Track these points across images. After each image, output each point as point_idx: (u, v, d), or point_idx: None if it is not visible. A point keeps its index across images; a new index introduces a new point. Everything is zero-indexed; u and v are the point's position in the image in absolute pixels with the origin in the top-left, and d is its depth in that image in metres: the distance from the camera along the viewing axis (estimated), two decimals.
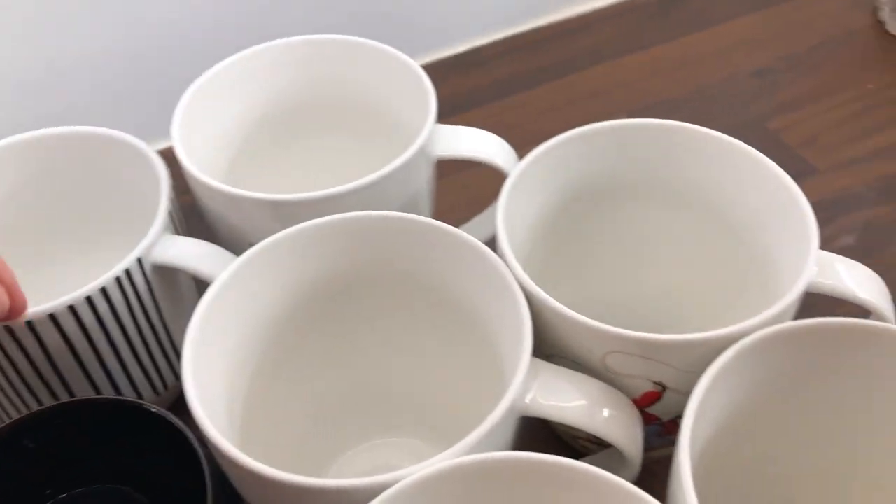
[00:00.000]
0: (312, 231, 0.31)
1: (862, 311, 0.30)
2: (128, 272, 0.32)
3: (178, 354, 0.35)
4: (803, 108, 0.50)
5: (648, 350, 0.27)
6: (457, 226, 0.31)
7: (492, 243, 0.30)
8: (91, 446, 0.30)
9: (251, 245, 0.31)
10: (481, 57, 0.55)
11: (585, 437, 0.33)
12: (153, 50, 0.49)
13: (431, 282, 0.32)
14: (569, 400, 0.27)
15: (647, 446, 0.30)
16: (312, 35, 0.40)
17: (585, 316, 0.27)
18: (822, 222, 0.30)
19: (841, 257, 0.30)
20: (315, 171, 0.41)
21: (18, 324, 0.30)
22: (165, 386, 0.37)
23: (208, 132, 0.39)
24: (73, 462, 0.31)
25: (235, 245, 0.34)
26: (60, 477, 0.31)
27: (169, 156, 0.35)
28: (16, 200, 0.38)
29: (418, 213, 0.31)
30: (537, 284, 0.28)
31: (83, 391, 0.34)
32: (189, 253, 0.33)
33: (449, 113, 0.43)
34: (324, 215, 0.31)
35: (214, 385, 0.29)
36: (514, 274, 0.29)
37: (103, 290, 0.31)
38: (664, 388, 0.29)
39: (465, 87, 0.53)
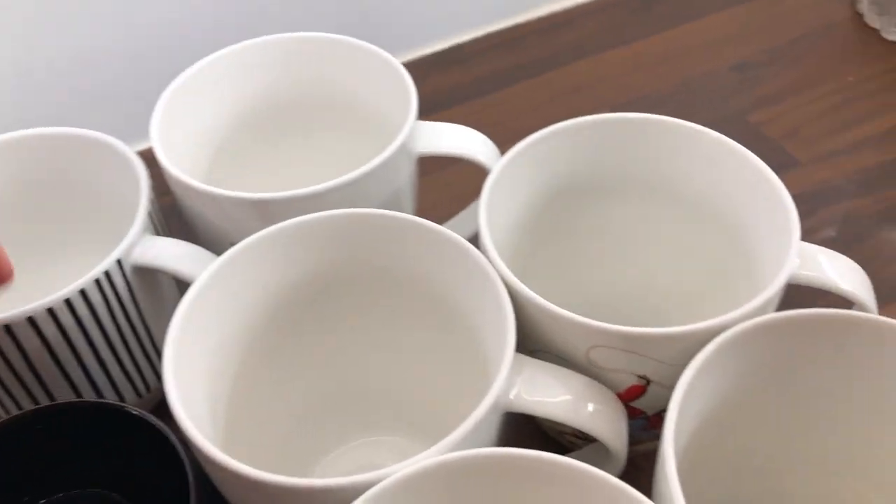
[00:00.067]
0: (293, 230, 0.31)
1: (844, 302, 0.30)
2: (107, 274, 0.32)
3: (159, 356, 0.35)
4: (784, 101, 0.50)
5: (632, 344, 0.27)
6: (440, 223, 0.31)
7: (475, 240, 0.30)
8: (72, 450, 0.30)
9: (232, 245, 0.30)
10: (463, 54, 0.55)
11: (571, 432, 0.33)
12: (132, 50, 0.49)
13: (414, 279, 0.32)
14: (553, 395, 0.27)
15: (633, 440, 0.30)
16: (292, 33, 0.40)
17: (569, 311, 0.27)
18: (804, 214, 0.30)
19: (823, 248, 0.30)
20: (296, 169, 0.41)
21: None
22: (148, 388, 0.36)
23: (188, 132, 0.38)
24: (54, 467, 0.31)
25: (217, 246, 0.34)
26: (40, 482, 0.31)
27: (149, 157, 0.35)
28: None
29: (400, 211, 0.31)
30: (521, 280, 0.28)
31: (64, 394, 0.33)
32: (169, 253, 0.33)
33: (430, 110, 0.43)
34: (305, 214, 0.31)
35: (196, 386, 0.28)
36: (496, 270, 0.29)
37: (83, 292, 0.31)
38: (648, 381, 0.29)
39: (447, 84, 0.53)
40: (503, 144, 0.35)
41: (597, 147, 0.34)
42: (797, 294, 0.30)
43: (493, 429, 0.27)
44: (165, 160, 0.34)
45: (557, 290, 0.32)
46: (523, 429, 0.35)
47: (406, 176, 0.36)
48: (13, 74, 0.47)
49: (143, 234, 0.33)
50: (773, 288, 0.28)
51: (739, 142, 0.33)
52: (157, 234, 0.35)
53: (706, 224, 0.34)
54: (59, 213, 0.39)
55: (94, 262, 0.32)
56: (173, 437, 0.27)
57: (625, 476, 0.25)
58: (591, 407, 0.27)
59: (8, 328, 0.30)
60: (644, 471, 0.28)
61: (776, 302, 0.29)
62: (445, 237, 0.30)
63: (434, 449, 0.24)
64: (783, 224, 0.30)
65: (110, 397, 0.35)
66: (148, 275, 0.34)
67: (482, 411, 0.25)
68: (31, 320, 0.30)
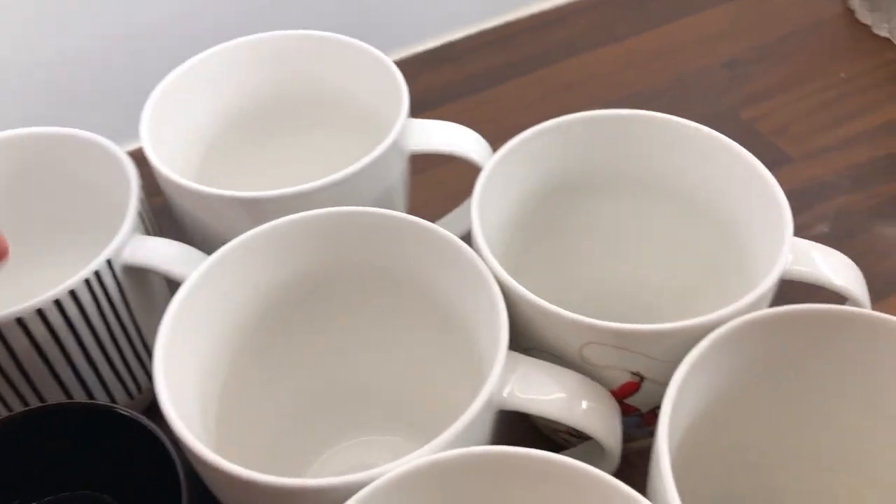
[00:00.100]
0: (285, 228, 0.31)
1: (838, 297, 0.30)
2: (97, 274, 0.31)
3: (150, 357, 0.35)
4: (775, 97, 0.50)
5: (625, 340, 0.27)
6: (433, 221, 0.31)
7: (468, 238, 0.30)
8: (62, 452, 0.30)
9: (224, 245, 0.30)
10: (455, 51, 0.55)
11: (565, 430, 0.33)
12: (123, 50, 0.49)
13: (407, 277, 0.32)
14: (547, 393, 0.27)
15: (627, 438, 0.30)
16: (284, 31, 0.40)
17: (562, 308, 0.27)
18: (796, 211, 0.30)
19: (816, 244, 0.30)
20: (288, 167, 0.41)
21: None
22: (139, 389, 0.36)
23: (178, 130, 0.38)
24: (44, 469, 0.30)
25: (208, 246, 0.33)
26: (30, 485, 0.31)
27: (140, 157, 0.35)
28: None
29: (393, 210, 0.31)
30: (514, 277, 0.28)
31: (54, 396, 0.33)
32: (160, 253, 0.32)
33: (422, 108, 0.43)
34: (296, 212, 0.31)
35: (187, 386, 0.28)
36: (489, 267, 0.29)
37: (72, 293, 0.31)
38: (642, 378, 0.28)
39: (439, 82, 0.53)
40: (496, 142, 0.35)
41: (589, 144, 0.34)
42: (790, 290, 0.30)
43: (486, 427, 0.27)
44: (155, 158, 0.34)
45: (551, 288, 0.32)
46: (517, 427, 0.35)
47: (398, 174, 0.35)
48: (2, 74, 0.46)
49: (134, 234, 0.33)
50: (767, 284, 0.28)
51: (731, 138, 0.32)
52: (148, 233, 0.35)
53: (699, 220, 0.34)
54: (48, 212, 0.39)
55: (84, 263, 0.32)
56: (164, 438, 0.27)
57: (619, 473, 0.25)
58: (584, 404, 0.27)
59: None
60: (638, 468, 0.28)
61: (769, 298, 0.29)
62: (438, 235, 0.30)
63: (427, 448, 0.24)
64: (776, 220, 0.30)
65: (101, 399, 0.34)
66: (138, 275, 0.34)
67: (475, 410, 0.25)
68: (20, 321, 0.30)
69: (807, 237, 0.30)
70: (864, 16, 0.54)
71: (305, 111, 0.41)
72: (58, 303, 0.30)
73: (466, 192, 0.33)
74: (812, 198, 0.45)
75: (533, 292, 0.28)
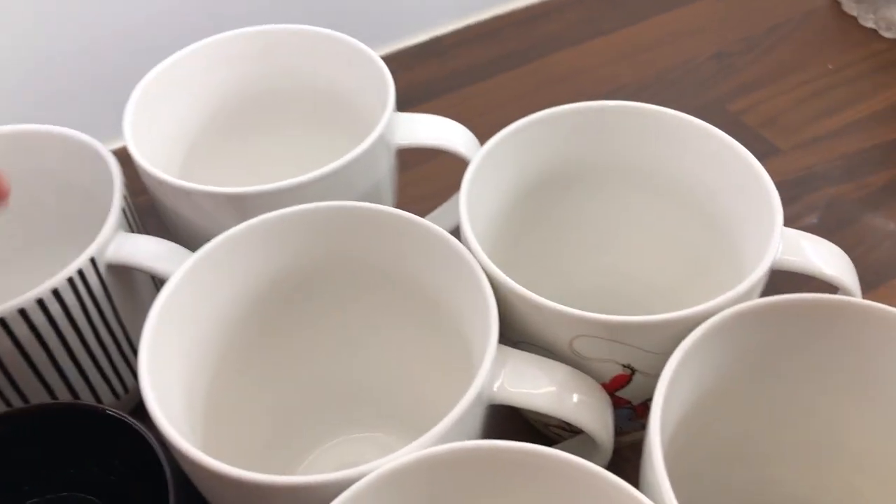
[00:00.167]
0: (271, 224, 0.30)
1: (829, 287, 0.30)
2: (81, 272, 0.31)
3: (137, 356, 0.34)
4: (763, 89, 0.50)
5: (615, 332, 0.27)
6: (422, 216, 0.30)
7: (457, 232, 0.30)
8: (47, 454, 0.29)
9: None
10: (441, 46, 0.55)
11: (556, 423, 0.32)
12: (106, 48, 0.48)
13: (396, 272, 0.32)
14: (537, 386, 0.27)
15: (619, 431, 0.30)
16: (268, 25, 0.39)
17: (552, 301, 0.27)
18: (786, 202, 0.30)
19: (806, 234, 0.30)
20: (274, 163, 0.40)
21: None
22: (126, 389, 0.36)
23: (162, 127, 0.38)
24: (28, 471, 0.30)
25: (195, 245, 0.33)
26: (13, 487, 0.30)
27: (125, 156, 0.34)
28: None
29: (380, 204, 0.31)
30: (503, 271, 0.28)
31: (38, 397, 0.32)
32: (144, 251, 0.32)
33: (409, 103, 0.42)
34: (283, 208, 0.30)
35: (174, 385, 0.28)
36: (478, 261, 0.28)
37: (55, 292, 0.30)
38: (633, 370, 0.28)
39: (426, 77, 0.53)
40: (483, 136, 0.34)
41: (577, 136, 0.34)
42: (781, 280, 0.30)
43: (477, 422, 0.26)
44: (138, 155, 0.33)
45: (541, 281, 0.32)
46: (508, 421, 0.35)
47: (385, 168, 0.35)
48: None
49: (118, 232, 0.33)
50: (757, 274, 0.28)
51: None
52: (132, 231, 0.34)
53: (689, 211, 0.34)
54: (31, 211, 0.38)
55: (67, 261, 0.31)
56: (151, 438, 0.27)
57: (611, 467, 0.24)
58: (575, 398, 0.27)
59: None
60: (631, 461, 0.28)
61: (760, 288, 0.29)
62: (426, 229, 0.30)
63: (417, 443, 0.24)
64: (766, 210, 0.30)
65: (87, 399, 0.34)
66: (123, 273, 0.33)
67: (465, 404, 0.25)
68: (2, 321, 0.30)
69: (797, 228, 0.30)
70: (850, 7, 0.54)
71: (291, 106, 0.41)
72: (41, 302, 0.30)
73: (455, 186, 0.32)
74: (801, 189, 0.45)
75: (522, 285, 0.28)
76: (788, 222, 0.29)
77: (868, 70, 0.51)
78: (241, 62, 0.40)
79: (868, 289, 0.32)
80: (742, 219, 0.32)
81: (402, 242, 0.31)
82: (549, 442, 0.32)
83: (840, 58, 0.52)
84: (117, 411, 0.28)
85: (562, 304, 0.27)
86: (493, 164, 0.32)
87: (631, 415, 0.31)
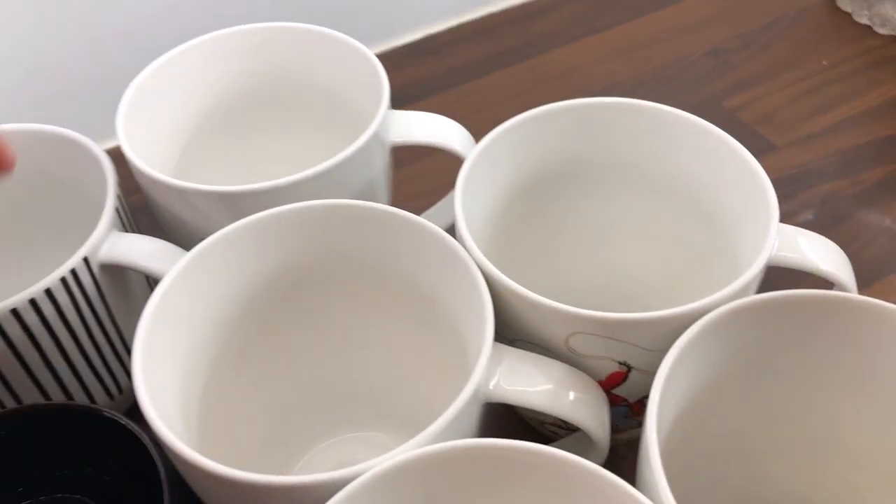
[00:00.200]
0: (266, 222, 0.30)
1: (824, 283, 0.29)
2: (74, 272, 0.31)
3: (131, 356, 0.34)
4: (759, 86, 0.50)
5: (611, 330, 0.27)
6: (417, 214, 0.30)
7: (452, 230, 0.30)
8: (40, 455, 0.29)
9: None
10: (436, 44, 0.55)
11: (552, 421, 0.32)
12: (100, 47, 0.48)
13: (391, 271, 0.32)
14: (533, 384, 0.27)
15: (615, 428, 0.30)
16: (262, 23, 0.39)
17: (548, 298, 0.27)
18: (782, 199, 0.30)
19: (802, 230, 0.30)
20: (268, 162, 0.40)
21: None
22: (120, 389, 0.35)
23: (156, 126, 0.37)
24: (21, 472, 0.30)
25: (189, 243, 0.33)
26: (6, 489, 0.30)
27: (119, 156, 0.34)
28: None
29: (375, 202, 0.31)
30: (499, 268, 0.28)
31: (31, 397, 0.32)
32: (138, 250, 0.32)
33: (404, 101, 0.42)
34: (277, 206, 0.30)
35: (168, 385, 0.28)
36: (473, 258, 0.28)
37: (48, 292, 0.30)
38: (629, 368, 0.28)
39: (421, 75, 0.52)
40: (479, 134, 0.34)
41: (572, 133, 0.34)
42: (777, 277, 0.30)
43: (473, 420, 0.26)
44: (132, 154, 0.33)
45: (536, 278, 0.31)
46: (504, 419, 0.35)
47: (380, 166, 0.35)
48: None
49: (111, 231, 0.32)
50: (753, 270, 0.27)
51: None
52: (126, 231, 0.34)
53: (685, 208, 0.34)
54: (25, 210, 0.38)
55: (61, 261, 0.31)
56: (145, 438, 0.27)
57: (608, 465, 0.24)
58: (571, 395, 0.27)
59: None
60: (627, 459, 0.28)
61: (756, 284, 0.28)
62: (421, 227, 0.30)
63: (413, 442, 0.24)
64: (762, 206, 0.29)
65: (81, 400, 0.34)
66: (117, 272, 0.33)
67: (461, 403, 0.25)
68: None
69: (793, 224, 0.30)
70: (844, 4, 0.54)
71: (285, 104, 0.41)
72: (33, 302, 0.30)
73: (450, 184, 0.32)
74: (797, 185, 0.45)
75: (518, 283, 0.27)
76: (784, 219, 0.29)
77: (862, 66, 0.51)
78: (236, 60, 0.39)
79: (863, 285, 0.32)
80: (738, 215, 0.32)
81: (398, 240, 0.30)
82: (546, 440, 0.32)
83: (835, 54, 0.52)
84: (111, 411, 0.28)
85: (558, 301, 0.27)
86: (488, 161, 0.32)
87: (627, 412, 0.31)
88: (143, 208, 0.36)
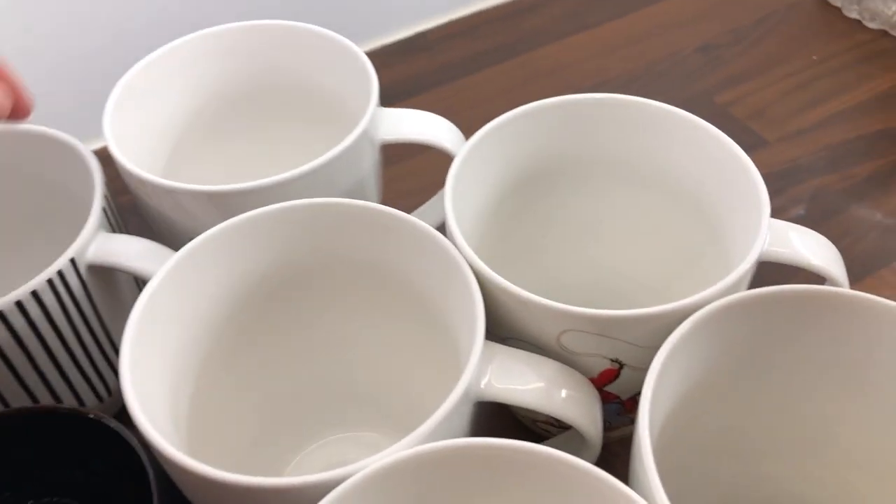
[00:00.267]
0: (255, 221, 0.30)
1: (816, 278, 0.29)
2: (61, 273, 0.30)
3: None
4: (749, 81, 0.50)
5: (603, 327, 0.27)
6: (407, 213, 0.30)
7: (443, 228, 0.30)
8: (28, 458, 0.29)
9: None
10: (426, 41, 0.54)
11: (544, 419, 0.32)
12: (87, 46, 0.47)
13: (382, 269, 0.31)
14: (525, 382, 0.27)
15: (608, 426, 0.29)
16: (251, 21, 0.39)
17: (539, 296, 0.27)
18: (772, 194, 0.30)
19: (794, 225, 0.30)
20: (258, 160, 0.40)
21: None
22: (109, 391, 0.35)
23: (143, 126, 0.37)
24: (9, 476, 0.29)
25: (178, 244, 0.32)
26: None
27: (107, 156, 0.34)
28: None
29: (365, 201, 0.30)
30: (490, 266, 0.28)
31: (19, 401, 0.32)
32: (125, 250, 0.31)
33: (394, 99, 0.42)
34: (266, 205, 0.30)
35: (157, 386, 0.28)
36: (464, 256, 0.28)
37: (35, 294, 0.30)
38: (621, 365, 0.28)
39: (411, 72, 0.52)
40: (470, 132, 0.34)
41: (563, 129, 0.34)
42: (768, 273, 0.30)
43: (464, 419, 0.26)
44: (119, 154, 0.33)
45: (527, 275, 0.31)
46: (496, 418, 0.34)
47: (370, 164, 0.35)
48: None
49: (98, 232, 0.32)
50: (745, 266, 0.27)
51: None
52: (114, 231, 0.34)
53: (676, 204, 0.34)
54: (10, 211, 0.38)
55: (47, 263, 0.31)
56: (134, 441, 0.26)
57: (600, 462, 0.24)
58: (564, 393, 0.27)
59: None
60: (620, 456, 0.28)
61: (748, 280, 0.28)
62: (411, 225, 0.29)
63: (404, 442, 0.24)
64: (753, 201, 0.29)
65: (69, 402, 0.33)
66: (104, 274, 0.33)
67: (452, 402, 0.24)
68: None
69: (784, 220, 0.30)
70: None
71: (274, 103, 0.40)
72: (20, 304, 0.30)
73: (441, 181, 0.32)
74: (788, 180, 0.45)
75: (509, 280, 0.27)
76: (775, 214, 0.29)
77: (852, 61, 0.51)
78: (224, 58, 0.39)
79: (855, 280, 0.32)
80: (729, 211, 0.31)
81: (388, 239, 0.30)
82: (538, 438, 0.32)
83: (825, 49, 0.52)
84: (99, 414, 0.27)
85: (549, 298, 0.27)
86: (478, 158, 0.32)
87: (620, 409, 0.31)
88: (131, 209, 0.36)
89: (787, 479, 0.30)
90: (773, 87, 0.50)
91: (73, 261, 0.31)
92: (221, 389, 0.31)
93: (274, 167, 0.33)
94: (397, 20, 0.55)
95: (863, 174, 0.45)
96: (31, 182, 0.37)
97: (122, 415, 0.27)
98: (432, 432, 0.24)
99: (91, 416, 0.27)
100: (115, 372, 0.35)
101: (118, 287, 0.34)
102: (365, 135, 0.33)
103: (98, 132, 0.35)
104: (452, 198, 0.30)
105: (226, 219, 0.30)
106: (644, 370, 0.25)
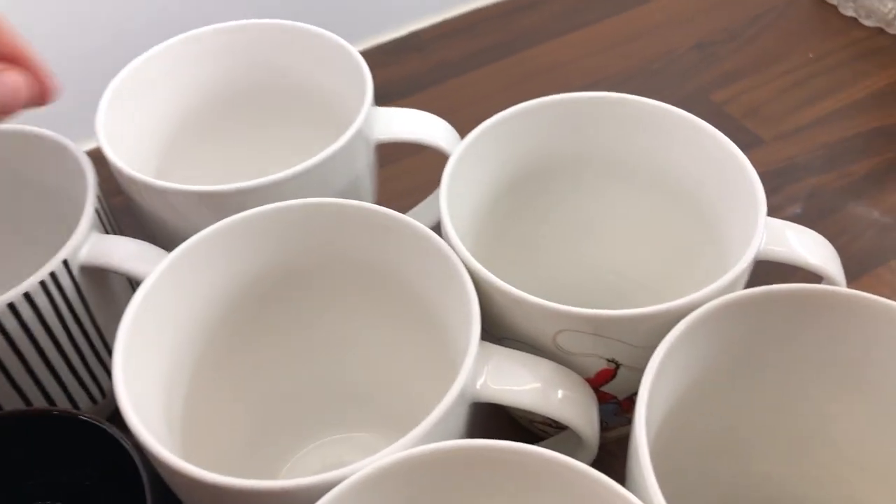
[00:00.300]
0: (248, 222, 0.30)
1: (813, 277, 0.29)
2: (53, 275, 0.30)
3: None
4: (745, 79, 0.50)
5: (599, 327, 0.26)
6: (403, 212, 0.30)
7: (438, 228, 0.29)
8: (21, 461, 0.29)
9: None
10: (421, 40, 0.54)
11: (541, 420, 0.32)
12: (81, 45, 0.47)
13: (377, 270, 0.31)
14: (521, 383, 0.27)
15: (604, 426, 0.29)
16: (245, 20, 0.39)
17: (535, 296, 0.27)
18: (769, 192, 0.30)
19: (790, 224, 0.30)
20: (252, 161, 0.40)
21: None
22: (103, 393, 0.35)
23: (136, 126, 0.37)
24: (2, 479, 0.29)
25: (171, 244, 0.32)
26: None
27: (99, 156, 0.34)
28: None
29: (360, 201, 0.30)
30: (486, 266, 0.28)
31: (12, 404, 0.32)
32: (118, 252, 0.31)
33: (390, 98, 0.42)
34: (260, 205, 0.30)
35: (151, 387, 0.27)
36: (459, 256, 0.28)
37: (27, 296, 0.30)
38: (618, 365, 0.28)
39: (406, 71, 0.52)
40: (465, 131, 0.34)
41: (559, 128, 0.33)
42: (765, 272, 0.30)
43: (460, 420, 0.26)
44: (112, 154, 0.33)
45: (523, 275, 0.31)
46: (493, 418, 0.34)
47: (364, 164, 0.35)
48: None
49: (91, 233, 0.32)
50: (742, 265, 0.27)
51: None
52: (107, 232, 0.33)
53: (672, 203, 0.34)
54: (2, 211, 0.37)
55: (40, 264, 0.30)
56: (127, 443, 0.26)
57: (597, 463, 0.24)
58: (560, 393, 0.27)
59: None
60: (617, 457, 0.27)
61: (745, 279, 0.28)
62: (406, 225, 0.29)
63: (399, 444, 0.23)
64: (749, 200, 0.29)
65: (63, 405, 0.33)
66: (97, 275, 0.32)
67: (447, 403, 0.24)
68: None
69: (781, 218, 0.30)
70: None
71: (268, 102, 0.40)
72: (12, 306, 0.29)
73: (437, 181, 0.32)
74: (784, 179, 0.44)
75: (505, 281, 0.27)
76: (771, 213, 0.29)
77: (848, 58, 0.51)
78: (218, 58, 0.39)
79: (852, 278, 0.32)
80: (726, 209, 0.31)
81: (383, 239, 0.30)
82: (535, 438, 0.31)
83: (820, 46, 0.51)
84: (92, 416, 0.27)
85: (545, 298, 0.26)
86: (473, 157, 0.32)
87: (616, 410, 0.31)
88: (124, 210, 0.35)
89: (785, 479, 0.30)
90: (769, 85, 0.49)
91: (65, 262, 0.31)
92: (216, 391, 0.31)
93: (268, 167, 0.33)
94: (391, 19, 0.55)
95: (860, 172, 0.45)
96: (23, 182, 0.37)
97: (116, 417, 0.27)
98: (428, 434, 0.24)
99: (85, 418, 0.27)
100: (109, 374, 0.35)
101: (111, 288, 0.34)
102: (359, 134, 0.33)
103: (90, 133, 0.35)
104: (448, 197, 0.30)
105: (219, 219, 0.30)
106: (641, 370, 0.25)
